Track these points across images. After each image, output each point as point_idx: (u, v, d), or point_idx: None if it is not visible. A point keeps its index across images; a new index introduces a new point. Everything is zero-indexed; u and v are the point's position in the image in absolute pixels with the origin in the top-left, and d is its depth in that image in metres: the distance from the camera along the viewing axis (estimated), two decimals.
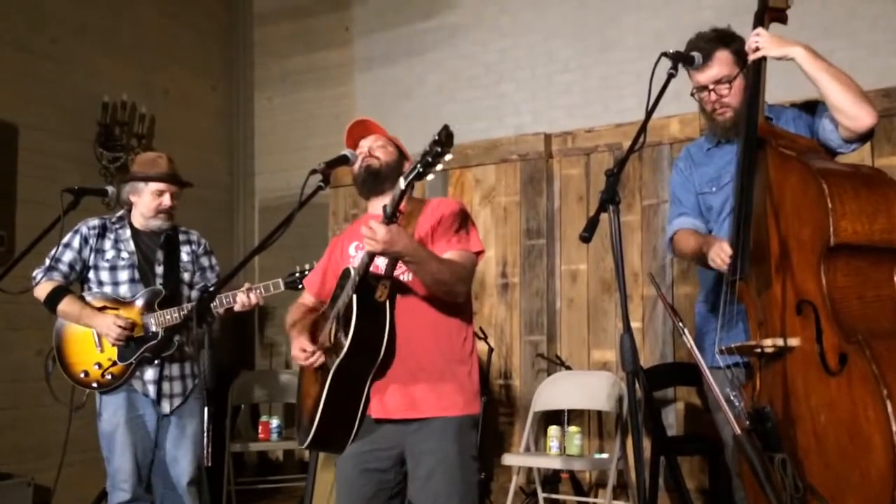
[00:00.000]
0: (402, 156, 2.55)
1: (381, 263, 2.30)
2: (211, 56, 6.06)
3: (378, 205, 2.43)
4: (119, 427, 3.21)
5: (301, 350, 2.40)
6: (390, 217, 2.13)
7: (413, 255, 2.18)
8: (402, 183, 2.09)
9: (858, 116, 2.31)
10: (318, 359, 2.38)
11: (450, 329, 2.39)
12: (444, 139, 1.98)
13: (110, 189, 3.34)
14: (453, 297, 2.35)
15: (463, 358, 2.40)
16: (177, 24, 5.73)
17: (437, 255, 2.29)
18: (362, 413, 2.32)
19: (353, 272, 2.29)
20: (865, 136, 2.38)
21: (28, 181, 4.56)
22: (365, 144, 2.52)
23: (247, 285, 3.25)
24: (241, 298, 3.21)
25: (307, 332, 2.48)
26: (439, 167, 2.02)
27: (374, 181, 2.46)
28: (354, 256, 2.47)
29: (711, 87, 2.53)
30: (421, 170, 2.02)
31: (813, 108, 2.53)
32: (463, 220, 2.41)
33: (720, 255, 2.34)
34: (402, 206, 2.14)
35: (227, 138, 6.17)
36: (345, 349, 2.21)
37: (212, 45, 6.07)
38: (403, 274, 2.36)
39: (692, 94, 2.60)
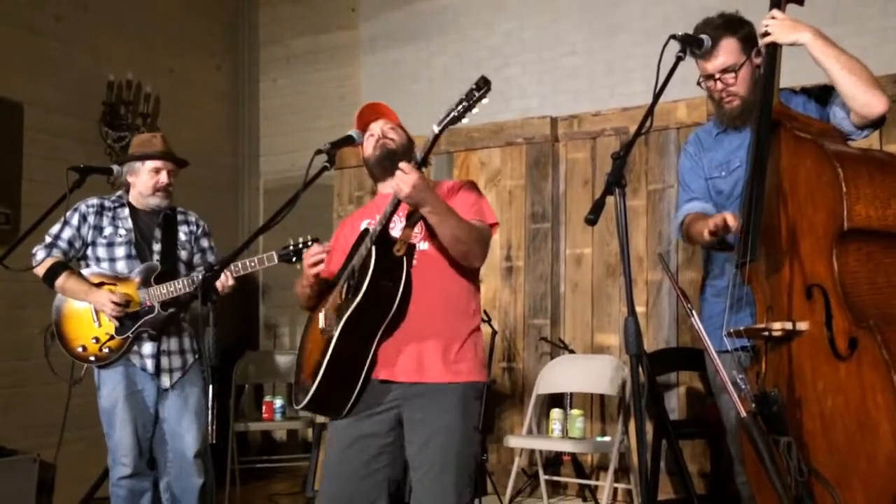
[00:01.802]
0: (410, 141, 2.56)
1: (395, 232, 2.33)
2: (216, 36, 6.03)
3: (389, 186, 2.44)
4: (118, 402, 3.24)
5: (313, 252, 2.39)
6: (421, 163, 2.17)
7: (436, 206, 2.20)
8: (435, 128, 2.13)
9: (870, 103, 2.29)
10: (320, 255, 2.37)
11: (460, 297, 2.41)
12: (483, 84, 2.06)
13: (115, 168, 3.37)
14: (470, 260, 2.36)
15: (472, 327, 2.42)
16: (182, 3, 5.70)
17: (456, 212, 2.30)
18: (366, 375, 2.31)
19: (371, 230, 2.31)
20: (877, 123, 2.36)
21: (33, 160, 4.55)
22: (376, 127, 2.52)
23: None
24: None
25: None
26: (475, 110, 2.08)
27: (390, 161, 2.46)
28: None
29: (717, 76, 2.50)
30: (457, 114, 2.09)
31: (822, 95, 2.51)
32: (476, 195, 2.44)
33: (716, 219, 2.31)
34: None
35: (232, 119, 6.16)
36: (360, 296, 2.22)
37: (217, 24, 6.04)
38: (419, 242, 2.38)
39: (699, 83, 2.58)
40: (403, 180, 2.13)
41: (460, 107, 2.08)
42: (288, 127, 5.97)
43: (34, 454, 4.11)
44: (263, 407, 5.06)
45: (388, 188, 2.45)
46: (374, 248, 2.26)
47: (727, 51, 2.47)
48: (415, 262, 2.35)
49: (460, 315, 2.40)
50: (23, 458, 4.07)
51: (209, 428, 2.21)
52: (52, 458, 4.26)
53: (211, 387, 2.19)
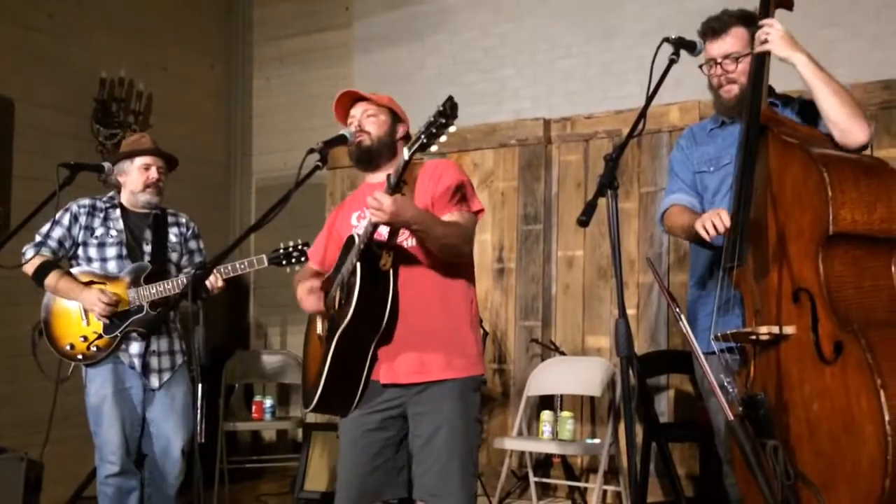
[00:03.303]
0: (395, 119, 2.53)
1: (383, 231, 2.32)
2: (210, 34, 6.01)
3: (376, 177, 2.44)
4: (106, 399, 3.23)
5: (309, 286, 2.44)
6: (394, 187, 2.15)
7: (419, 223, 2.20)
8: (405, 154, 2.11)
9: (851, 131, 2.32)
10: (319, 301, 2.43)
11: (455, 292, 2.42)
12: (449, 110, 2.01)
13: (107, 165, 3.37)
14: (459, 258, 2.39)
15: (469, 320, 2.44)
16: (176, 0, 5.68)
17: (441, 219, 2.31)
18: (366, 377, 2.38)
19: (357, 240, 2.30)
20: (859, 151, 2.38)
21: (24, 156, 4.53)
22: (355, 114, 2.51)
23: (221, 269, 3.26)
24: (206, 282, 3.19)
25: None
26: (443, 138, 2.05)
27: (368, 159, 2.47)
28: (357, 226, 2.48)
29: (720, 60, 2.52)
30: (424, 140, 2.05)
31: (808, 109, 2.52)
32: (461, 182, 2.42)
33: (713, 219, 2.29)
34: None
35: (225, 117, 6.14)
36: (348, 317, 2.24)
37: (211, 22, 6.03)
38: (407, 240, 2.38)
39: (700, 67, 2.59)
40: (379, 208, 2.11)
41: (428, 132, 2.04)
42: (281, 126, 5.95)
43: (21, 452, 4.09)
44: (253, 406, 5.05)
45: (374, 178, 2.48)
46: (359, 266, 2.26)
47: (735, 37, 2.51)
48: (405, 261, 2.35)
49: (457, 309, 2.42)
50: (10, 456, 4.04)
51: (198, 427, 2.21)
52: (41, 457, 4.26)
53: (200, 386, 2.19)
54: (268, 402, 5.01)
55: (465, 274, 2.46)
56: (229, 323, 5.83)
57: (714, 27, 2.50)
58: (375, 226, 2.24)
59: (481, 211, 2.44)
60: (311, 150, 2.29)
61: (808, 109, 2.53)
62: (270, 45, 6.11)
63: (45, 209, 3.05)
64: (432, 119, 2.02)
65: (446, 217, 2.35)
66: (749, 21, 2.53)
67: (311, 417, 4.67)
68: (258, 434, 5.70)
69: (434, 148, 2.07)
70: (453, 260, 2.37)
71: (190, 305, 2.16)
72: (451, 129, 2.02)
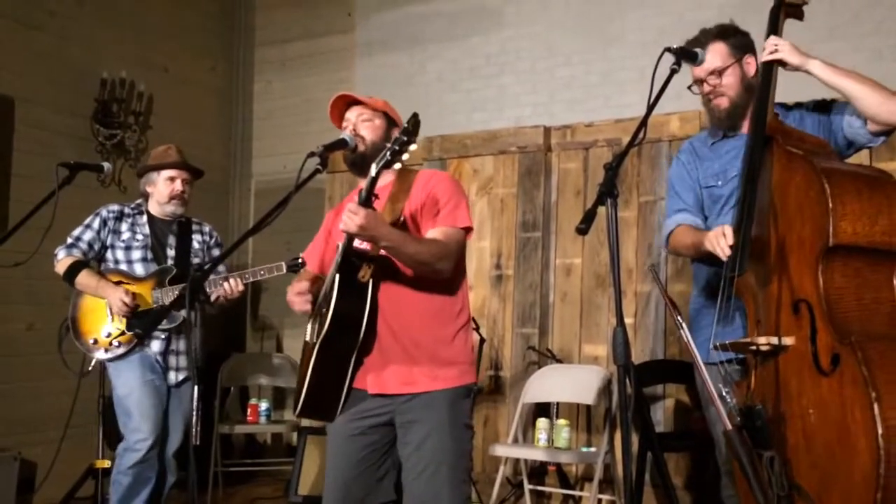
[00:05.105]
0: (390, 123, 2.52)
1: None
2: (211, 36, 6.01)
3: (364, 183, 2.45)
4: (134, 391, 3.35)
5: (297, 289, 2.42)
6: (365, 202, 2.17)
7: (388, 240, 2.20)
8: (372, 170, 2.16)
9: (894, 111, 2.33)
10: (306, 302, 2.40)
11: (443, 303, 2.40)
12: (412, 128, 2.08)
13: (106, 165, 3.39)
14: (437, 275, 2.35)
15: (457, 330, 2.42)
16: (178, 1, 5.68)
17: (414, 236, 2.31)
18: (349, 385, 2.38)
19: (337, 253, 2.32)
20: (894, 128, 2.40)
21: (23, 155, 4.53)
22: (351, 118, 2.50)
23: (239, 275, 3.33)
24: (226, 285, 3.32)
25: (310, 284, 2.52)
26: (406, 156, 2.11)
27: (362, 163, 2.44)
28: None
29: (705, 77, 2.55)
30: (389, 158, 2.11)
31: (824, 106, 2.53)
32: (451, 196, 2.39)
33: (719, 239, 2.29)
34: (391, 184, 2.22)
35: (225, 120, 6.13)
36: (325, 327, 2.26)
37: (213, 24, 6.03)
38: None
39: (689, 88, 2.60)
40: (351, 220, 2.12)
41: (392, 150, 2.09)
42: (281, 129, 5.95)
43: (15, 452, 4.08)
44: (248, 409, 5.04)
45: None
46: (337, 276, 2.26)
47: (714, 53, 2.52)
48: (390, 272, 2.34)
49: (445, 318, 2.40)
50: (3, 456, 4.04)
51: (193, 429, 2.23)
52: (34, 456, 4.24)
53: (196, 388, 2.20)
54: (263, 406, 5.00)
55: (454, 283, 2.43)
56: (225, 325, 5.81)
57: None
58: (352, 238, 2.24)
59: (470, 229, 2.40)
60: (311, 154, 2.28)
61: (811, 113, 2.53)
62: (272, 48, 6.11)
63: (44, 209, 3.04)
64: (397, 136, 2.09)
65: (431, 233, 2.34)
66: (725, 34, 2.56)
67: (306, 421, 4.66)
68: (253, 437, 5.69)
69: (397, 165, 2.14)
70: (430, 277, 2.34)
71: (186, 308, 2.16)
72: (413, 146, 2.09)
